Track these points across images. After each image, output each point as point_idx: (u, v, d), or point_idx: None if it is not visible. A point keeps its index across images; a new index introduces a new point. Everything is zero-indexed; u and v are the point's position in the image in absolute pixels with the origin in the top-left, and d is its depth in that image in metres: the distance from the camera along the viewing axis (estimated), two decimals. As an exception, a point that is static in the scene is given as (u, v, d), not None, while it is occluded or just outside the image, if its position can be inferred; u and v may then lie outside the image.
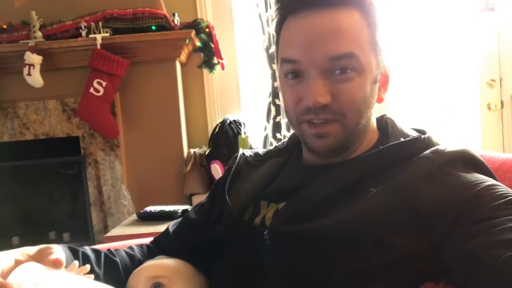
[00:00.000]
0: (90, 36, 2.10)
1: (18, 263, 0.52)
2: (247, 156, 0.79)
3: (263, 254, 0.62)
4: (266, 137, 2.30)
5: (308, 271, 0.59)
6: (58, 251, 0.56)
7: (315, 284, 0.58)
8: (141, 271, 0.70)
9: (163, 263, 0.72)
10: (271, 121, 2.28)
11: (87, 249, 0.72)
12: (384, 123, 0.71)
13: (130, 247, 0.81)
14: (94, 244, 2.12)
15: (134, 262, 0.76)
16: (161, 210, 1.70)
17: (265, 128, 2.31)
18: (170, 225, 0.84)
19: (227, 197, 0.70)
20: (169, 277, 0.68)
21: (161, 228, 0.88)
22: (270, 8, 2.21)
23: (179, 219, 0.85)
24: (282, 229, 0.61)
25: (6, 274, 0.50)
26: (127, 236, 1.53)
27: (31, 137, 2.27)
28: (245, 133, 2.29)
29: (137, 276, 0.69)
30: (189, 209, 0.84)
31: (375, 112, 0.70)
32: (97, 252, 0.72)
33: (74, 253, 0.67)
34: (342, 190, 0.61)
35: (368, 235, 0.56)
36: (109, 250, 0.76)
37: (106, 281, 0.63)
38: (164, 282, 0.67)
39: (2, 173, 2.35)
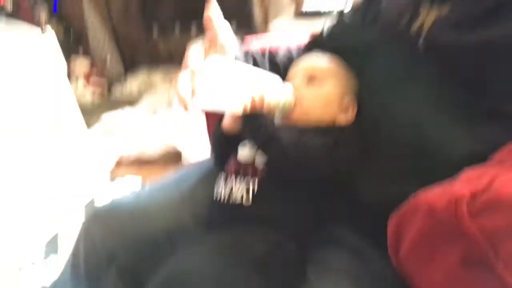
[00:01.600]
0: None
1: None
2: None
3: (415, 63, 0.62)
4: None
5: (460, 83, 0.57)
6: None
7: (464, 97, 0.57)
8: (299, 65, 0.78)
9: (319, 61, 0.78)
10: None
11: (254, 50, 0.82)
12: None
13: (288, 49, 0.88)
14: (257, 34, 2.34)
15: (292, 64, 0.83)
16: (318, 8, 1.79)
17: None
18: (326, 24, 0.88)
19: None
20: (323, 74, 0.75)
21: (317, 25, 0.93)
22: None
23: (335, 19, 0.88)
24: (441, 38, 0.59)
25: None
26: (286, 31, 1.65)
27: None
28: None
29: (296, 69, 0.77)
30: (346, 9, 0.87)
31: None
32: (261, 53, 0.82)
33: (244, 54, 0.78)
34: None
35: None
36: (270, 51, 0.84)
37: None
38: (317, 77, 0.75)
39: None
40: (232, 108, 0.67)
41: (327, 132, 0.68)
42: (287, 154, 0.63)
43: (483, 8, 0.56)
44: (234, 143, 0.75)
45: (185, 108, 0.64)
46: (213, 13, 0.65)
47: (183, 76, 0.66)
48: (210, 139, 0.84)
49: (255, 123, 0.65)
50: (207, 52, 0.69)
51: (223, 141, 0.76)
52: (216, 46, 0.69)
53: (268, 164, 0.67)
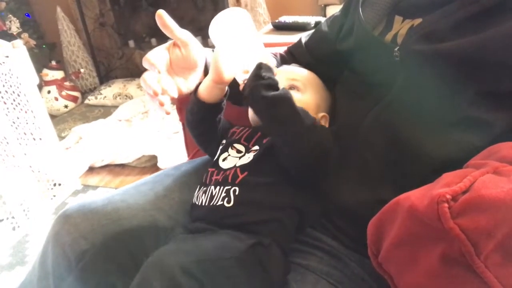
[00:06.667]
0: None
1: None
2: None
3: (390, 71, 0.63)
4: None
5: (435, 90, 0.58)
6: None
7: (439, 104, 0.58)
8: (281, 71, 0.77)
9: (300, 71, 0.79)
10: None
11: None
12: None
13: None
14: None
15: None
16: (294, 21, 1.73)
17: None
18: (303, 36, 0.89)
19: (360, 10, 0.70)
20: (303, 83, 0.75)
21: (294, 38, 0.92)
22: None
23: (312, 31, 0.89)
24: (414, 48, 0.60)
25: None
26: (264, 44, 1.58)
27: None
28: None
29: (278, 74, 0.73)
30: (322, 21, 0.87)
31: None
32: None
33: None
34: (485, 11, 0.56)
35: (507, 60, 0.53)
36: None
37: None
38: (298, 85, 0.75)
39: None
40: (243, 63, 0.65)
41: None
42: (298, 116, 0.61)
43: (452, 21, 0.58)
44: (206, 111, 0.72)
45: (161, 104, 0.62)
46: (164, 13, 0.64)
47: (150, 73, 0.64)
48: (184, 129, 0.81)
49: (272, 78, 0.62)
50: (171, 51, 0.68)
51: (197, 106, 0.72)
52: (178, 45, 0.68)
53: (273, 124, 0.63)
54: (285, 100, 0.61)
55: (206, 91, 0.69)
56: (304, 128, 0.61)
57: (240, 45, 0.64)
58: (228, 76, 0.65)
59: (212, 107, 0.71)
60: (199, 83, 0.72)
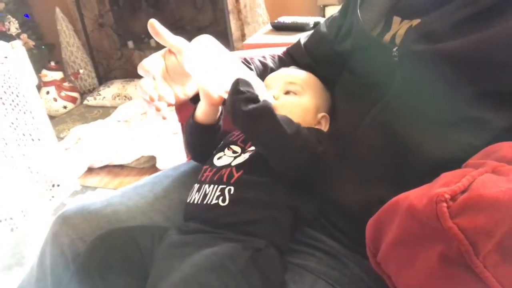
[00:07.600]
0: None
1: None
2: None
3: (389, 72, 0.63)
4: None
5: (433, 90, 0.58)
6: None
7: (438, 104, 0.58)
8: (279, 75, 0.76)
9: (298, 73, 0.78)
10: None
11: None
12: None
13: (263, 57, 0.86)
14: (233, 50, 2.32)
15: (267, 70, 0.83)
16: (293, 22, 1.74)
17: None
18: (302, 37, 0.88)
19: (358, 11, 0.70)
20: (301, 86, 0.74)
21: (293, 38, 0.95)
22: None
23: (311, 32, 0.88)
24: (413, 48, 0.60)
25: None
26: (262, 44, 1.59)
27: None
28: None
29: (275, 78, 0.75)
30: (321, 22, 0.87)
31: None
32: None
33: None
34: (484, 11, 0.55)
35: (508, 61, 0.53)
36: (244, 59, 0.81)
37: None
38: (297, 88, 0.74)
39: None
40: (221, 84, 0.65)
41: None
42: (280, 126, 0.60)
43: (451, 21, 0.57)
44: (205, 133, 0.74)
45: (157, 109, 0.63)
46: (156, 22, 0.64)
47: (146, 80, 0.65)
48: (183, 130, 0.81)
49: (250, 92, 0.62)
50: (166, 58, 0.68)
51: (196, 129, 0.74)
52: (174, 53, 0.67)
53: (256, 137, 0.63)
54: (265, 112, 0.60)
55: (203, 114, 0.72)
56: (288, 137, 0.60)
57: (218, 65, 0.64)
58: (217, 96, 0.67)
59: (210, 127, 0.73)
60: (196, 94, 0.73)
